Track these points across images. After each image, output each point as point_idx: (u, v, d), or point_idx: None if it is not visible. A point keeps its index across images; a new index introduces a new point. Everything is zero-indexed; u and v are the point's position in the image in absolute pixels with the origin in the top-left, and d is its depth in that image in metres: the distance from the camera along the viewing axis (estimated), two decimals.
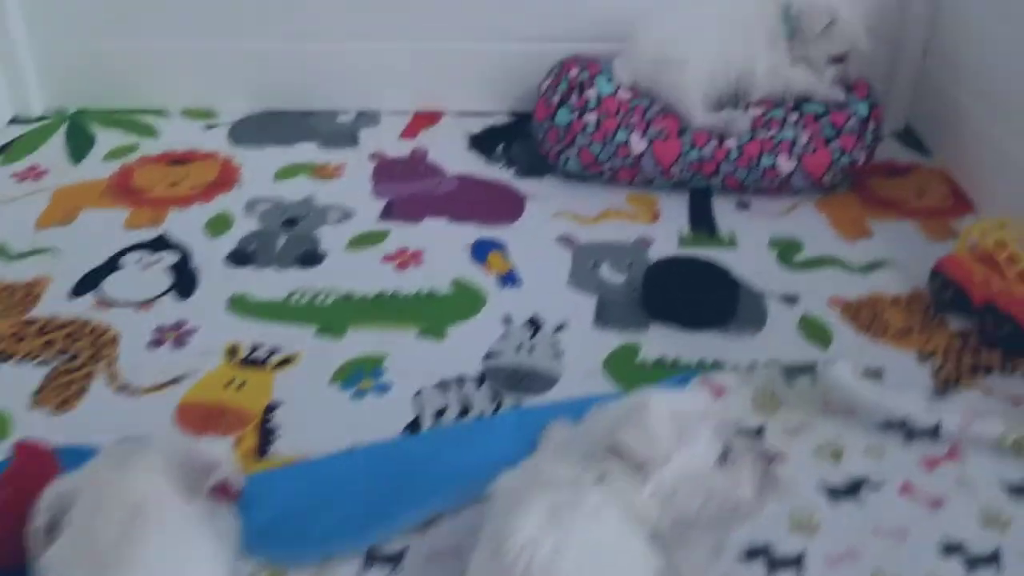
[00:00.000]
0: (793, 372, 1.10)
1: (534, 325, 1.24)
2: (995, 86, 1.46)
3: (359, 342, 1.21)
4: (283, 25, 1.68)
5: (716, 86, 1.52)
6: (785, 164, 1.47)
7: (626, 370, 1.17)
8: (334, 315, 1.26)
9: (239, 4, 1.66)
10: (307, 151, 1.64)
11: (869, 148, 1.49)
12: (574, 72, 1.52)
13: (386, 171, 1.58)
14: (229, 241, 1.40)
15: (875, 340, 1.22)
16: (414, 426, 1.08)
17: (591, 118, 1.48)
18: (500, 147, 1.64)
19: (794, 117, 1.49)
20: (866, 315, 1.27)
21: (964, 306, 1.24)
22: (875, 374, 1.14)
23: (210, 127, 1.71)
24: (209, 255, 1.37)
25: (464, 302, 1.28)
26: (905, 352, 1.20)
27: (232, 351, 1.18)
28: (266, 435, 1.06)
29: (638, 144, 1.48)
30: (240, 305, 1.28)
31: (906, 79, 1.67)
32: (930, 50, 1.63)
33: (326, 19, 1.67)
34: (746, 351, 1.19)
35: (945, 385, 1.14)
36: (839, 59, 1.48)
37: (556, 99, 1.50)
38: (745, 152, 1.46)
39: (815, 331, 1.23)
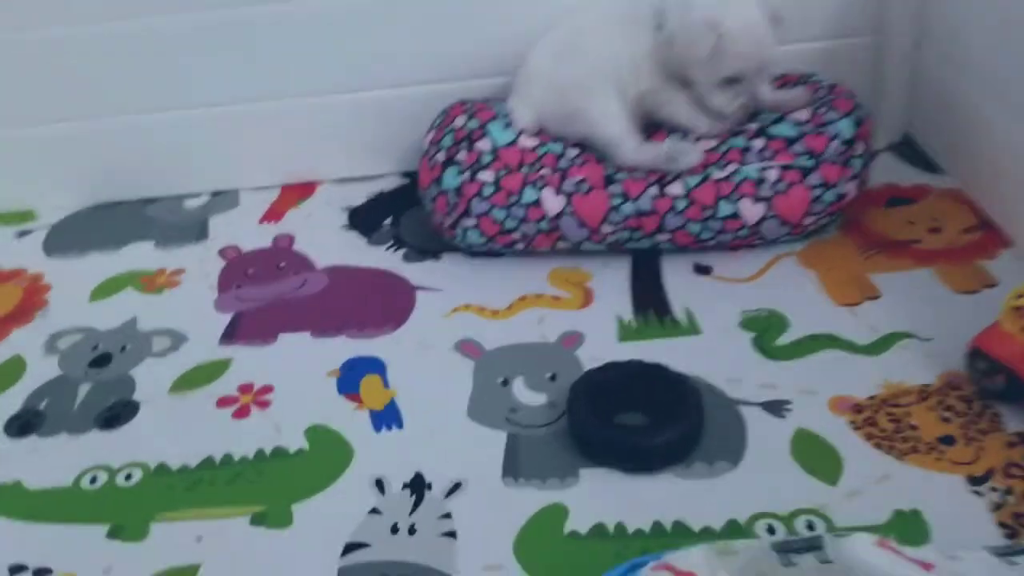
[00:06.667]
0: (790, 549, 0.74)
1: (418, 489, 0.88)
2: (1006, 73, 1.09)
3: (165, 544, 0.84)
4: (111, 96, 1.31)
5: (645, 104, 1.17)
6: (751, 210, 1.10)
7: (549, 549, 0.80)
8: (137, 503, 0.89)
9: (55, 78, 1.29)
10: (139, 254, 1.27)
11: (859, 176, 1.12)
12: (460, 120, 1.17)
13: (237, 272, 1.21)
14: (13, 400, 1.04)
15: (903, 461, 0.86)
16: None
17: (487, 176, 1.12)
18: (387, 222, 1.29)
19: (758, 144, 1.14)
20: (885, 422, 0.91)
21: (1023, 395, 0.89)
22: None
23: (23, 234, 1.35)
24: None
25: (322, 461, 0.92)
26: (949, 477, 0.84)
27: None
28: None
29: (553, 202, 1.11)
30: (10, 500, 0.91)
31: (898, 77, 1.29)
32: (924, 38, 1.28)
33: (165, 82, 1.30)
34: (719, 502, 0.83)
35: (1015, 531, 0.77)
36: (733, 81, 1.10)
37: (441, 158, 1.16)
38: (696, 200, 1.10)
39: (816, 456, 0.86)
